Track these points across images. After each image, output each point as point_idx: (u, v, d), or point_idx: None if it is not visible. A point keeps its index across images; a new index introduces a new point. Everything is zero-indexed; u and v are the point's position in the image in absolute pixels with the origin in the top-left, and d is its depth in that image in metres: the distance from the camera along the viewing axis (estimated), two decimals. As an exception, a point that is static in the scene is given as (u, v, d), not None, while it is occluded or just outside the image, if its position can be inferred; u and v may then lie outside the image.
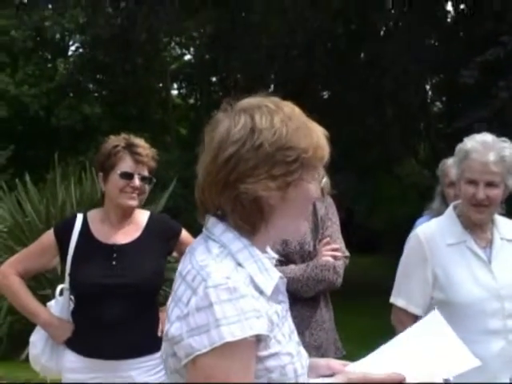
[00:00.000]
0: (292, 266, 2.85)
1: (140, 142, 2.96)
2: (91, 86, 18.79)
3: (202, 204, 1.55)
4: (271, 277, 1.49)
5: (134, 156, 2.90)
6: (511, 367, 2.64)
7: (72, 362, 2.91)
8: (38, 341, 2.99)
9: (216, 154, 1.48)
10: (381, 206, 13.59)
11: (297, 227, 1.58)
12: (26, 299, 2.99)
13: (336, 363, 1.70)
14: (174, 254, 3.11)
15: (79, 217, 3.00)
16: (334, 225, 3.00)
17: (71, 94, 17.83)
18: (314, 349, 2.85)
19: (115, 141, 2.95)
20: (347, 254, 2.99)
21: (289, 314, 1.61)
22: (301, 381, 1.48)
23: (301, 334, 2.84)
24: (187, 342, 1.36)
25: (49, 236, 3.00)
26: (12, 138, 15.83)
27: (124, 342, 2.82)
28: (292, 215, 1.53)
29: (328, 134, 1.58)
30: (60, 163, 8.42)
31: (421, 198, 8.43)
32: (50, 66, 18.67)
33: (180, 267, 1.53)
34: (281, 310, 1.53)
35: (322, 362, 1.73)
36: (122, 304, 2.82)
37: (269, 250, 1.66)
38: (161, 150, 3.11)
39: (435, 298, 2.73)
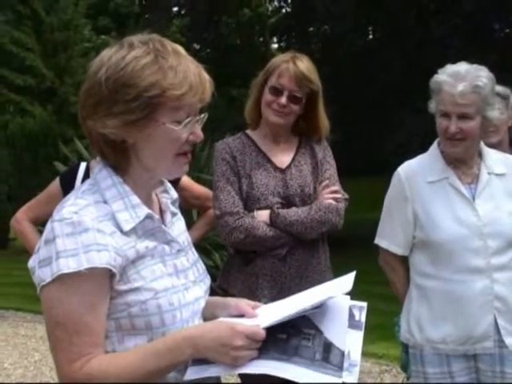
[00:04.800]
0: (295, 209, 2.85)
1: None
2: (195, 45, 19.07)
3: None
4: (137, 214, 1.51)
5: None
6: (493, 306, 2.55)
7: None
8: None
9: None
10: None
11: (166, 169, 1.56)
12: (34, 242, 3.19)
13: (244, 304, 1.64)
14: None
15: (82, 165, 3.15)
16: (331, 167, 2.99)
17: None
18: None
19: None
20: (346, 196, 2.97)
21: (182, 254, 1.61)
22: (167, 317, 1.49)
23: (299, 277, 2.89)
24: (37, 273, 1.44)
25: (55, 184, 3.18)
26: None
27: None
28: (157, 156, 1.52)
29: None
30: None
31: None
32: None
33: None
34: (151, 247, 1.52)
35: (232, 301, 1.70)
36: None
37: (172, 191, 1.69)
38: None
39: (417, 237, 2.66)
